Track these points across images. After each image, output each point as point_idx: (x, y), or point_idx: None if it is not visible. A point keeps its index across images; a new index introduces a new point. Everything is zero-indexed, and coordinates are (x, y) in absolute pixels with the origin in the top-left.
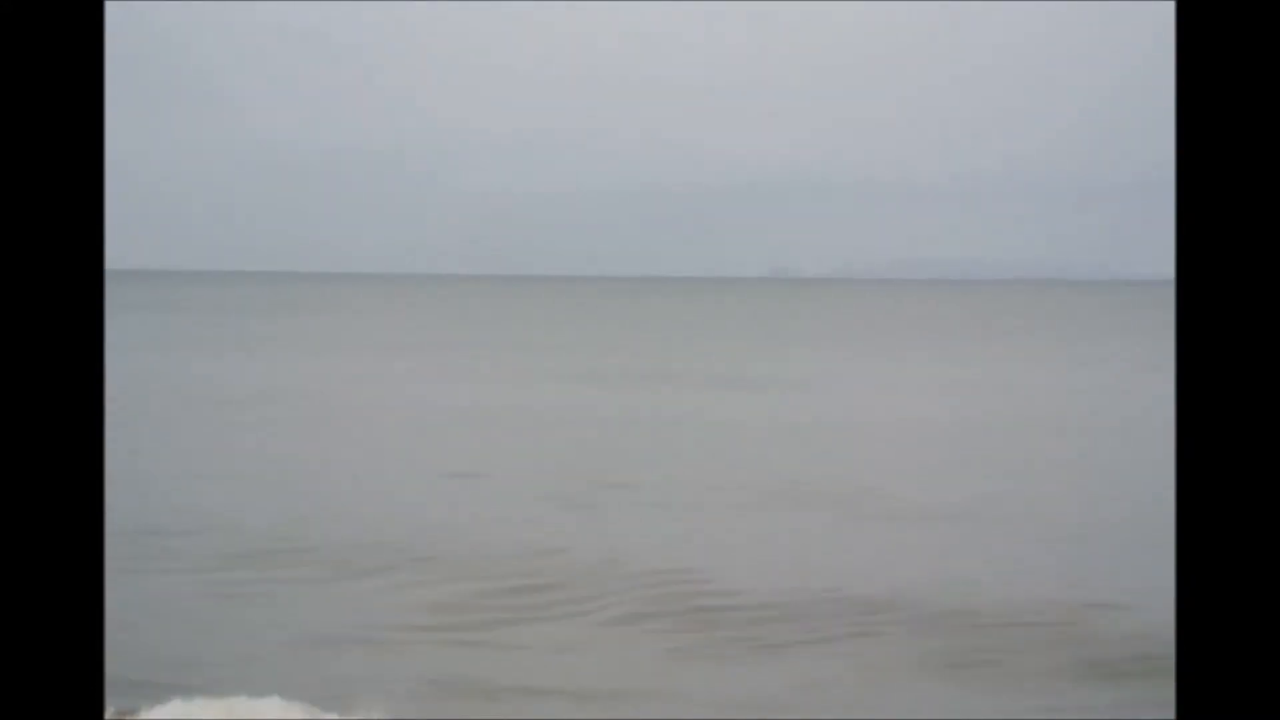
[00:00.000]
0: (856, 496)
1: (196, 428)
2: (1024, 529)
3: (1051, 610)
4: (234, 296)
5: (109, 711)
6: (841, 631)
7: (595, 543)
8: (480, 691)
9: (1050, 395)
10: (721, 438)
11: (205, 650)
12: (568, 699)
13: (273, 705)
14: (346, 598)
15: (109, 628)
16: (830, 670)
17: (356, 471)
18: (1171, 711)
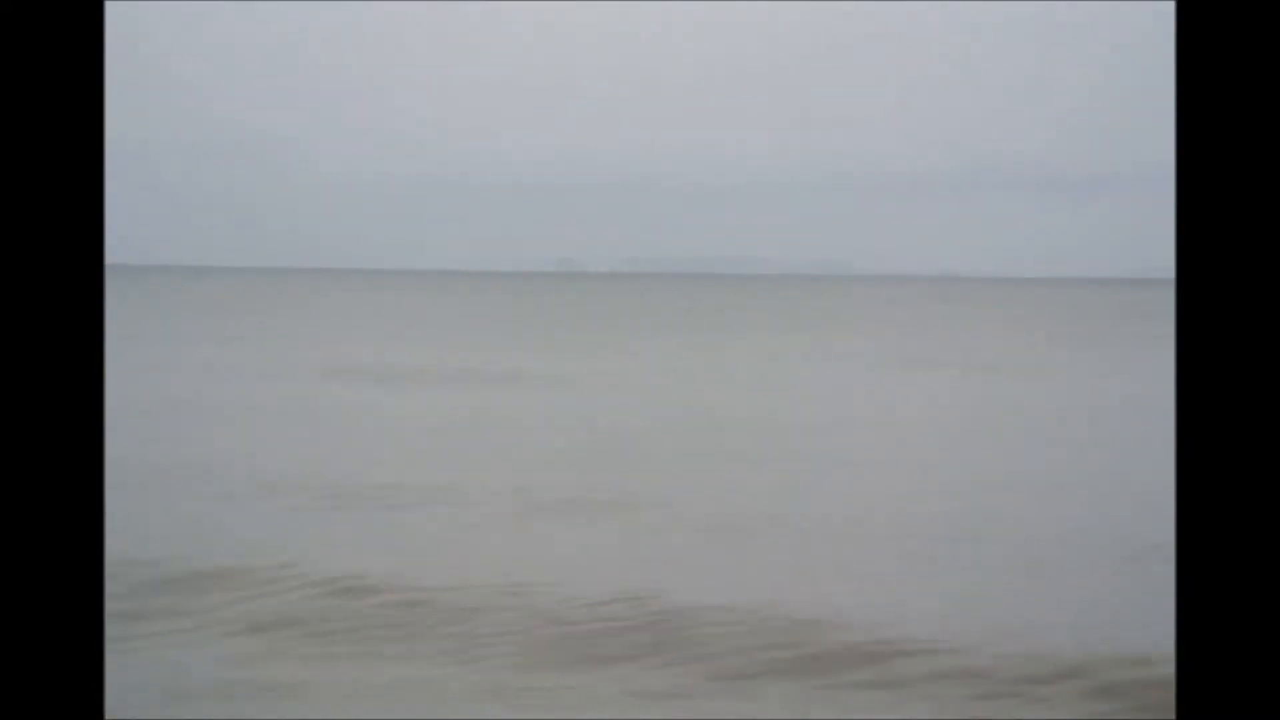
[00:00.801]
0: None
1: None
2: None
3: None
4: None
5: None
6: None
7: (271, 543)
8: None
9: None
10: (430, 435)
11: None
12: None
13: None
14: None
15: None
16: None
17: None
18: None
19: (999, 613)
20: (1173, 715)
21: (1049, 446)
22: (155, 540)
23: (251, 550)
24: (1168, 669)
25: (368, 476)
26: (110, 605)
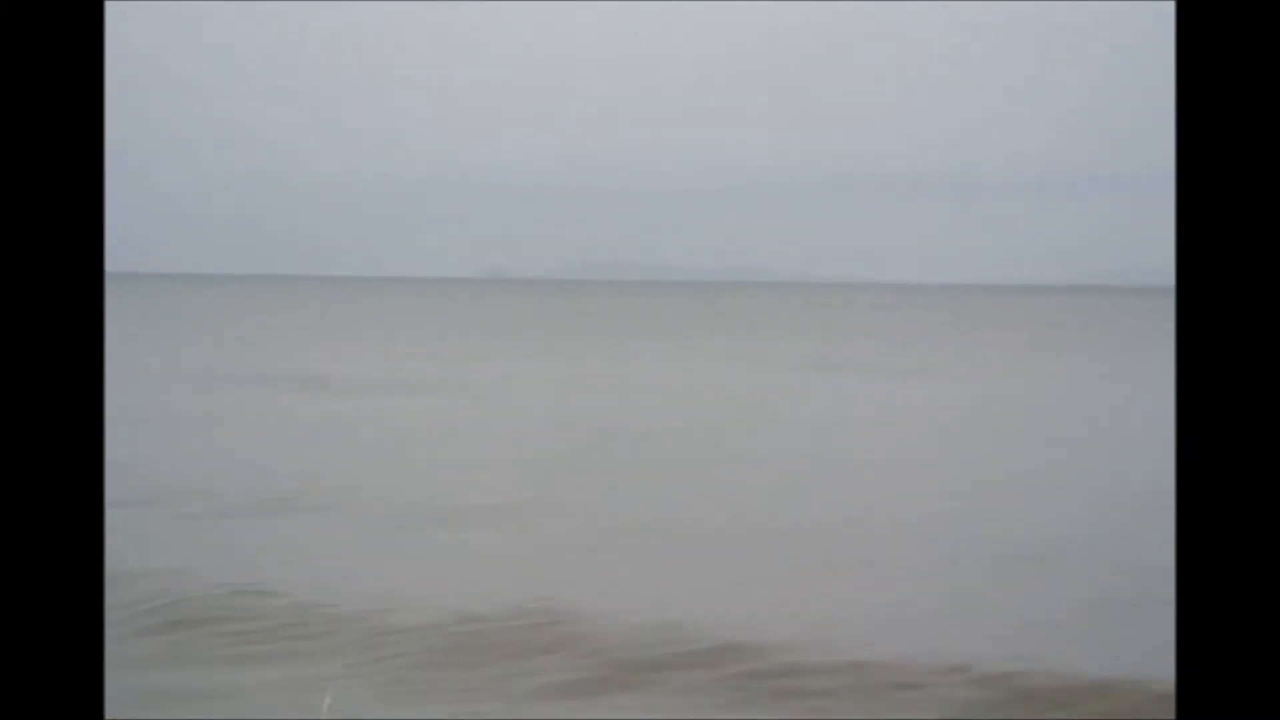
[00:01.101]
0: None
1: None
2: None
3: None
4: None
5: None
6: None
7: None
8: None
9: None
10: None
11: None
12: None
13: None
14: None
15: None
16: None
17: None
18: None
19: (889, 614)
20: (1172, 715)
21: (964, 449)
22: None
23: (150, 557)
24: (1022, 664)
25: (277, 485)
26: None
